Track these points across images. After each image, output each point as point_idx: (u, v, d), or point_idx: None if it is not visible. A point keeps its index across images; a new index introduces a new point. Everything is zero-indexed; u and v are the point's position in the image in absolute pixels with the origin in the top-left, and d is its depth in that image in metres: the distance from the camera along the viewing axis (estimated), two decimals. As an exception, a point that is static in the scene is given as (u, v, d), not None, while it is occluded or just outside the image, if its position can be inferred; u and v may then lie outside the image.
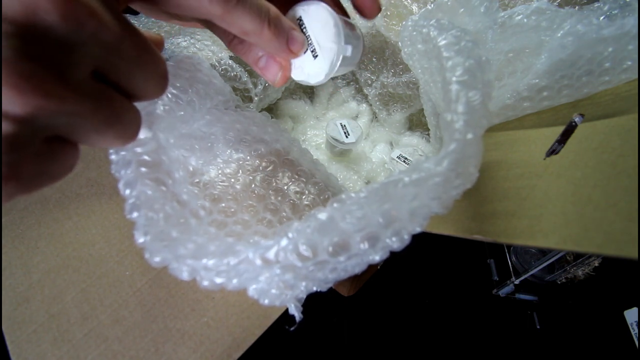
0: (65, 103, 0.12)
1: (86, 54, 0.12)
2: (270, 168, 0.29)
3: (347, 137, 0.41)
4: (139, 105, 0.16)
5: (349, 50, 0.22)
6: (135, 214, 0.18)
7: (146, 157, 0.20)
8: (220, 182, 0.27)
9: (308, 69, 0.22)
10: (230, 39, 0.21)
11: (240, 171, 0.28)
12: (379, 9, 0.23)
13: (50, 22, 0.11)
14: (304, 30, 0.21)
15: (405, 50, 0.28)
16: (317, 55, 0.22)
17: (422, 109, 0.38)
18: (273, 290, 0.18)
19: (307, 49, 0.22)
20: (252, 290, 0.18)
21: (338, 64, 0.22)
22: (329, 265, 0.17)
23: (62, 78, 0.11)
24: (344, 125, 0.42)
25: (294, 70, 0.23)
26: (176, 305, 0.29)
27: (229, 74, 0.38)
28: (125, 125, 0.14)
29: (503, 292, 0.60)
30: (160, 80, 0.15)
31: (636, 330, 0.55)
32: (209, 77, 0.28)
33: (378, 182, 0.16)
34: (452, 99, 0.17)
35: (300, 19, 0.21)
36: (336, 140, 0.42)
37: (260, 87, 0.41)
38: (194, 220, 0.22)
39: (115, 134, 0.14)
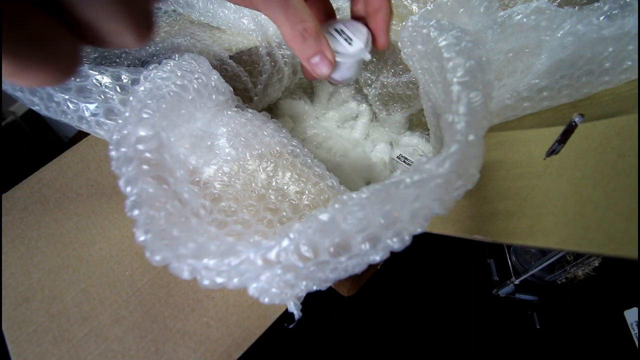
0: None
1: None
2: (270, 168, 0.29)
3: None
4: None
5: (367, 56, 0.28)
6: (136, 212, 0.18)
7: (148, 155, 0.20)
8: (221, 181, 0.27)
9: (345, 52, 0.28)
10: (295, 34, 0.24)
11: (240, 171, 0.28)
12: (388, 46, 0.28)
13: None
14: (343, 29, 0.28)
15: (405, 50, 0.28)
16: (351, 42, 0.28)
17: (422, 109, 0.38)
18: (273, 289, 0.18)
19: (343, 38, 0.28)
20: (253, 289, 0.18)
21: (369, 47, 0.28)
22: (329, 266, 0.17)
23: None
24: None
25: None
26: (176, 305, 0.29)
27: (229, 74, 0.38)
28: (46, 57, 0.11)
29: (503, 292, 0.60)
30: (120, 17, 0.11)
31: (636, 330, 0.55)
32: (209, 76, 0.28)
33: (379, 183, 0.16)
34: (453, 100, 0.17)
35: (339, 28, 0.28)
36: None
37: (260, 87, 0.41)
38: (195, 219, 0.22)
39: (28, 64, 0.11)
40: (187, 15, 0.42)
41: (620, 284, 0.59)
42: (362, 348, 0.58)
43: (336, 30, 0.28)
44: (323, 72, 0.26)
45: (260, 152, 0.29)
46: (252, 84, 0.40)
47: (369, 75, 0.47)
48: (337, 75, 0.29)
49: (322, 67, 0.26)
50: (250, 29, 0.38)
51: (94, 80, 0.26)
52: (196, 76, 0.26)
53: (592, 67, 0.25)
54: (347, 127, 0.49)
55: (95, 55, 0.35)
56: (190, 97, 0.26)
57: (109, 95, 0.27)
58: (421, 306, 0.61)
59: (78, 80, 0.26)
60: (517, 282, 0.58)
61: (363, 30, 0.28)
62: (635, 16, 0.23)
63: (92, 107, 0.27)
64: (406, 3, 0.38)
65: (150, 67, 0.26)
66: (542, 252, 0.60)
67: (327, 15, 0.29)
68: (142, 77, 0.25)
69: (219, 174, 0.27)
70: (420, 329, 0.59)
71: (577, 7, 0.28)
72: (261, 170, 0.28)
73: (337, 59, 0.27)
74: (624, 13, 0.25)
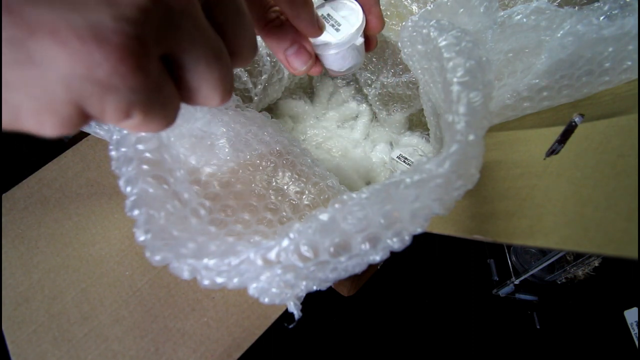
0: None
1: (168, 36, 0.12)
2: (270, 168, 0.29)
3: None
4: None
5: (359, 40, 0.25)
6: (136, 212, 0.18)
7: (148, 155, 0.20)
8: (220, 181, 0.27)
9: (333, 41, 0.24)
10: (269, 20, 0.21)
11: (241, 171, 0.28)
12: (383, 26, 0.25)
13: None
14: (330, 14, 0.25)
15: (405, 51, 0.28)
16: (339, 27, 0.24)
17: (422, 109, 0.38)
18: (273, 289, 0.18)
19: (330, 25, 0.24)
20: (253, 289, 0.18)
21: (362, 28, 0.24)
22: (329, 266, 0.17)
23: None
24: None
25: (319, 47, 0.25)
26: (176, 305, 0.29)
27: (229, 74, 0.38)
28: (163, 114, 0.13)
29: (503, 292, 0.60)
30: (218, 87, 0.14)
31: (636, 330, 0.55)
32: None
33: (379, 183, 0.16)
34: (453, 100, 0.17)
35: (326, 13, 0.25)
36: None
37: (260, 87, 0.41)
38: (195, 219, 0.22)
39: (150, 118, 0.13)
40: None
41: (620, 284, 0.59)
42: (362, 348, 0.58)
43: (322, 16, 0.24)
44: (298, 67, 0.23)
45: (260, 152, 0.29)
46: (252, 84, 0.40)
47: (369, 75, 0.47)
48: (334, 67, 0.27)
49: (298, 60, 0.23)
50: (250, 29, 0.38)
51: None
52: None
53: (592, 67, 0.25)
54: (347, 127, 0.49)
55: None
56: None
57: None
58: (421, 306, 0.61)
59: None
60: (517, 282, 0.58)
61: (354, 8, 0.24)
62: (635, 16, 0.23)
63: (92, 107, 0.27)
64: (406, 3, 0.38)
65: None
66: (542, 252, 0.60)
67: None
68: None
69: (219, 174, 0.27)
70: (420, 329, 0.59)
71: (577, 7, 0.28)
72: (261, 170, 0.28)
73: (328, 51, 0.24)
74: (624, 13, 0.25)
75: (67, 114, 0.11)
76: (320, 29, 0.22)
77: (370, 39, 0.26)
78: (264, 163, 0.29)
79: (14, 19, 0.09)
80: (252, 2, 0.21)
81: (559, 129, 0.22)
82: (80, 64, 0.10)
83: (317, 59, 0.25)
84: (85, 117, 0.11)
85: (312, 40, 0.24)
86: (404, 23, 0.27)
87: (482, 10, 0.27)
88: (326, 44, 0.24)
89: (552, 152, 0.21)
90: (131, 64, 0.10)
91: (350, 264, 0.17)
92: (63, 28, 0.09)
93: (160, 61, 0.12)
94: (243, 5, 0.14)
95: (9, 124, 0.11)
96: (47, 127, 0.11)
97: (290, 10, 0.21)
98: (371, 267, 0.29)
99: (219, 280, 0.17)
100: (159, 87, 0.12)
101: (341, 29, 0.24)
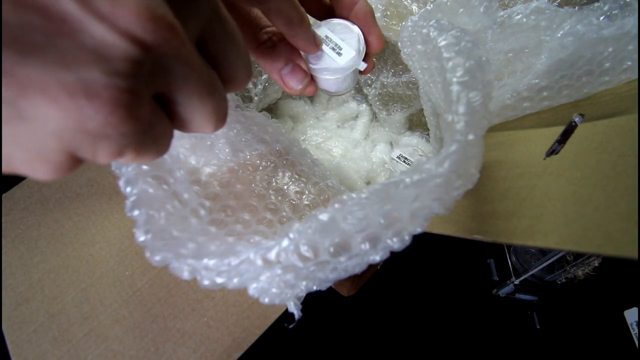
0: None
1: (160, 73, 0.12)
2: (270, 168, 0.29)
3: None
4: None
5: (362, 65, 0.24)
6: (135, 212, 0.18)
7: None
8: (221, 181, 0.27)
9: (335, 66, 0.24)
10: (262, 41, 0.21)
11: (241, 171, 0.28)
12: (383, 45, 0.25)
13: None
14: (329, 36, 0.24)
15: (405, 50, 0.28)
16: (340, 51, 0.24)
17: (422, 109, 0.38)
18: (273, 289, 0.18)
19: (330, 48, 0.24)
20: (253, 289, 0.18)
21: (363, 52, 0.24)
22: (329, 266, 0.17)
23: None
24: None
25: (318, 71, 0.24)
26: (176, 305, 0.29)
27: (229, 74, 0.38)
28: (156, 148, 0.13)
29: (503, 292, 0.60)
30: (212, 117, 0.14)
31: (636, 330, 0.55)
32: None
33: (379, 183, 0.16)
34: (453, 100, 0.17)
35: (324, 34, 0.24)
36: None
37: (260, 87, 0.41)
38: (195, 219, 0.22)
39: (142, 155, 0.13)
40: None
41: (620, 284, 0.59)
42: (362, 348, 0.58)
43: (320, 38, 0.23)
44: (295, 86, 0.23)
45: (260, 152, 0.29)
46: (252, 84, 0.40)
47: (369, 75, 0.47)
48: (332, 89, 0.26)
49: (294, 79, 0.22)
50: (250, 29, 0.38)
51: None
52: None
53: (592, 67, 0.25)
54: (347, 127, 0.50)
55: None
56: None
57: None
58: (421, 306, 0.61)
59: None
60: (517, 282, 0.58)
61: (354, 29, 0.23)
62: (635, 16, 0.23)
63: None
64: (406, 3, 0.38)
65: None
66: (542, 252, 0.60)
67: (325, 12, 0.24)
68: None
69: (219, 174, 0.27)
70: (420, 329, 0.59)
71: (577, 7, 0.28)
72: (261, 170, 0.28)
73: (327, 75, 0.24)
74: (624, 13, 0.25)
75: (59, 161, 0.11)
76: (317, 46, 0.22)
77: (369, 60, 0.25)
78: (264, 163, 0.29)
79: (6, 79, 0.09)
80: (244, 24, 0.20)
81: (559, 129, 0.22)
82: (71, 118, 0.10)
83: (311, 78, 0.25)
84: (77, 161, 0.12)
85: (314, 64, 0.23)
86: (404, 23, 0.27)
87: (482, 10, 0.27)
88: (328, 69, 0.23)
89: (552, 152, 0.21)
90: (123, 114, 0.11)
91: (350, 264, 0.17)
92: (53, 85, 0.10)
93: (152, 100, 0.12)
94: (237, 34, 0.14)
95: (3, 169, 0.11)
96: (40, 173, 0.11)
97: (287, 30, 0.20)
98: (371, 267, 0.29)
99: (219, 280, 0.17)
100: (151, 127, 0.12)
101: (343, 53, 0.23)
